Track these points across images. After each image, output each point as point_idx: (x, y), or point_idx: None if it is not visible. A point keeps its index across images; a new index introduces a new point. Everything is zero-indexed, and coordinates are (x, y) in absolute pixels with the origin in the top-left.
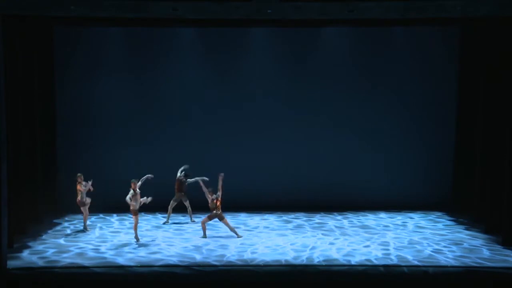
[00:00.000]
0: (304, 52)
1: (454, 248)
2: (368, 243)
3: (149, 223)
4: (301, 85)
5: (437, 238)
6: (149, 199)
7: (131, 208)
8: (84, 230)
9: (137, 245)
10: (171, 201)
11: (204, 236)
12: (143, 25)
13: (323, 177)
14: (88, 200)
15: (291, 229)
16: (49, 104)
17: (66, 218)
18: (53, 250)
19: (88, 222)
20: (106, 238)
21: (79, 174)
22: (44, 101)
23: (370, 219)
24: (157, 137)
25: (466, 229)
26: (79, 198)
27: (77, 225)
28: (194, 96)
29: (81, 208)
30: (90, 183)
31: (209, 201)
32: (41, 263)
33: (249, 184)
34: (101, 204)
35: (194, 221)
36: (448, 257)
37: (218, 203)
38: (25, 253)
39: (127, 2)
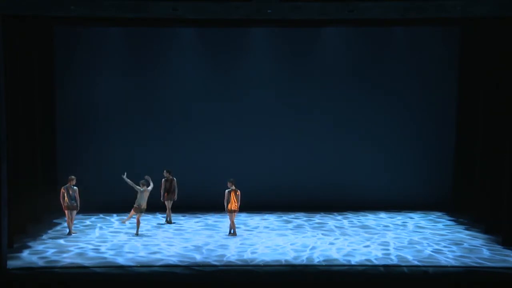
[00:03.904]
0: (304, 52)
1: (454, 248)
2: (368, 243)
3: (149, 223)
4: (301, 85)
5: (437, 238)
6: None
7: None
8: (70, 234)
9: (137, 245)
10: (166, 202)
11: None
12: (143, 25)
13: (323, 177)
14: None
15: (291, 229)
16: (49, 104)
17: (66, 218)
18: (53, 250)
19: (87, 222)
20: (106, 238)
21: (71, 177)
22: (44, 101)
23: (370, 219)
24: (157, 137)
25: (466, 229)
26: (67, 201)
27: (77, 225)
28: (194, 96)
29: (72, 212)
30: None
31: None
32: (41, 263)
33: (249, 184)
34: (101, 204)
35: (174, 223)
36: (448, 257)
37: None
38: (25, 253)
39: (127, 2)
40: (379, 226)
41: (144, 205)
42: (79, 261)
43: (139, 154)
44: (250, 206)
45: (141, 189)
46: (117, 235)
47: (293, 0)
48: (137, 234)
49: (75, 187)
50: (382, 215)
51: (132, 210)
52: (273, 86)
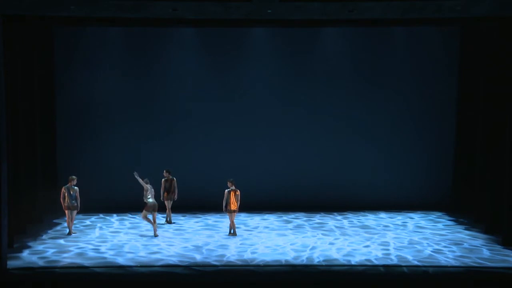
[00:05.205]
0: (304, 52)
1: (454, 248)
2: (368, 243)
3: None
4: (301, 86)
5: (437, 238)
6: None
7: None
8: (70, 234)
9: (137, 245)
10: (166, 202)
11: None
12: (143, 25)
13: (323, 177)
14: (75, 203)
15: (291, 229)
16: (49, 104)
17: (66, 218)
18: (53, 250)
19: (87, 222)
20: (106, 238)
21: (72, 177)
22: (44, 101)
23: (370, 219)
24: (157, 137)
25: (466, 229)
26: (68, 201)
27: (77, 225)
28: (194, 96)
29: (73, 212)
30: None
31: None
32: (41, 263)
33: (250, 184)
34: (101, 204)
35: (173, 223)
36: (448, 257)
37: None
38: (25, 253)
39: (127, 2)
40: (379, 226)
41: (151, 201)
42: (79, 261)
43: (139, 154)
44: (250, 206)
45: (149, 187)
46: (117, 235)
47: (293, 0)
48: (156, 235)
49: (75, 187)
50: (382, 215)
51: (147, 211)
52: (273, 86)
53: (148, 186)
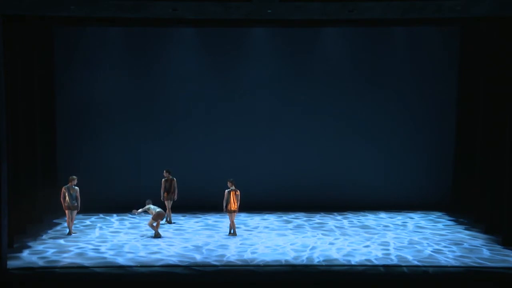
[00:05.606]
0: (304, 52)
1: (454, 248)
2: (368, 243)
3: None
4: (301, 85)
5: (437, 238)
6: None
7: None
8: (69, 234)
9: (137, 245)
10: (166, 202)
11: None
12: (143, 25)
13: (323, 177)
14: (75, 203)
15: (291, 229)
16: (49, 104)
17: (66, 218)
18: (53, 250)
19: (87, 222)
20: (106, 238)
21: (72, 177)
22: (44, 101)
23: (370, 219)
24: (157, 137)
25: (466, 229)
26: (68, 201)
27: (77, 225)
28: (194, 96)
29: (73, 212)
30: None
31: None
32: (41, 263)
33: (250, 184)
34: (101, 204)
35: (174, 223)
36: (448, 257)
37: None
38: (25, 253)
39: (127, 2)
40: (379, 226)
41: (157, 210)
42: (79, 261)
43: (139, 154)
44: (250, 206)
45: (152, 207)
46: (117, 235)
47: (293, 0)
48: (160, 236)
49: (76, 187)
50: (382, 215)
51: (154, 220)
52: (273, 86)
53: (150, 206)
